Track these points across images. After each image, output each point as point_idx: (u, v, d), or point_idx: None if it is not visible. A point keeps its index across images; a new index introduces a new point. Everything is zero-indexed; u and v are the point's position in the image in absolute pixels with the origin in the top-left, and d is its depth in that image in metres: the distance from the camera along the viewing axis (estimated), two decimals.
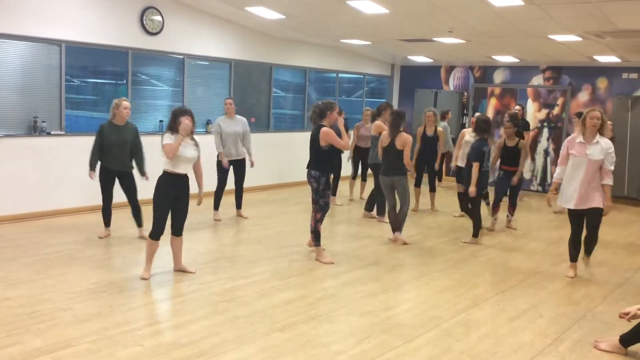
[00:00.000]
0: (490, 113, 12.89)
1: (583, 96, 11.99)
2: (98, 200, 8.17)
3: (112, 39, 8.50)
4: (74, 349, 3.97)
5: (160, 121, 9.38)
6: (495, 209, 8.31)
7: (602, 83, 11.80)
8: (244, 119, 8.39)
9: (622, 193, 11.38)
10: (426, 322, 4.78)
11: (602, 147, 5.80)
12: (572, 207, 5.96)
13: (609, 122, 6.41)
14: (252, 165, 8.37)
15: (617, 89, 11.61)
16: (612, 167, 5.80)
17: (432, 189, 9.59)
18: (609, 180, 5.82)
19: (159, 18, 8.98)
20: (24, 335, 4.14)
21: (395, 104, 14.43)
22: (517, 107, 11.10)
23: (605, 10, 7.18)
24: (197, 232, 7.58)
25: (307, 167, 6.45)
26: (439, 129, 9.24)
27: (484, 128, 7.41)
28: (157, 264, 6.26)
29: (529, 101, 12.60)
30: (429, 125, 9.20)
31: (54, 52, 7.96)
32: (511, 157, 8.09)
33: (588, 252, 6.35)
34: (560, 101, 12.27)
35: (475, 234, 7.55)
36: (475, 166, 7.27)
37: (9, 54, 7.62)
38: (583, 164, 5.83)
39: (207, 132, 10.04)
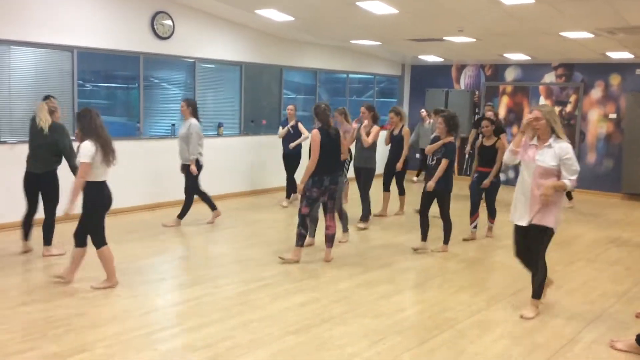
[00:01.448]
0: (502, 111, 12.83)
1: (596, 93, 11.90)
2: (116, 204, 8.26)
3: (124, 44, 8.56)
4: (89, 353, 4.00)
5: (172, 125, 9.42)
6: (473, 216, 7.66)
7: (614, 79, 11.70)
8: (192, 122, 7.72)
9: (637, 190, 11.28)
10: (440, 323, 4.76)
11: (556, 152, 4.70)
12: (521, 223, 4.89)
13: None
14: (191, 171, 7.77)
15: (630, 85, 11.51)
16: (574, 177, 4.69)
17: (401, 192, 9.15)
18: (566, 180, 4.69)
19: (169, 22, 9.03)
20: (40, 341, 4.17)
21: (406, 104, 14.41)
22: (488, 105, 10.84)
23: (616, 7, 7.11)
24: (208, 235, 7.61)
25: (335, 171, 6.33)
26: (405, 128, 8.68)
27: (453, 124, 6.84)
28: (171, 267, 6.29)
29: (542, 98, 12.52)
30: (395, 126, 8.77)
31: (66, 58, 8.02)
32: (488, 157, 7.55)
33: (535, 292, 5.01)
34: (572, 98, 12.18)
35: (447, 240, 7.02)
36: (445, 163, 6.73)
37: (22, 61, 7.70)
38: (531, 169, 4.81)
39: (218, 135, 10.09)
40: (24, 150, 7.87)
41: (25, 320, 4.53)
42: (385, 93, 14.40)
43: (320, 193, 6.28)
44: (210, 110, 10.11)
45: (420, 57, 13.28)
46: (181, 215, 7.91)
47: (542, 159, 4.76)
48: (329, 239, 6.43)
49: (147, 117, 9.14)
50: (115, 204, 8.50)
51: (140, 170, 8.76)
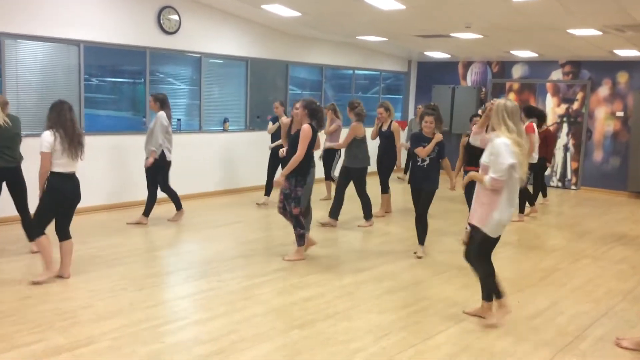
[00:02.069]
0: None
1: (603, 91, 11.84)
2: (118, 199, 8.30)
3: (130, 39, 8.57)
4: (96, 346, 4.02)
5: (178, 120, 9.44)
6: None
7: (622, 77, 11.64)
8: (158, 114, 7.51)
9: None
10: (445, 319, 4.76)
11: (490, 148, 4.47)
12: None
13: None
14: (146, 163, 7.50)
15: (638, 83, 11.45)
16: (494, 175, 4.31)
17: (384, 190, 8.75)
18: (487, 176, 4.39)
19: (175, 17, 9.03)
20: (46, 333, 4.20)
21: (412, 100, 14.38)
22: (492, 101, 10.71)
23: (623, 4, 7.07)
24: (213, 230, 7.62)
25: (312, 169, 6.38)
26: (394, 124, 8.40)
27: (441, 120, 6.53)
28: (176, 261, 6.30)
29: (548, 96, 12.47)
30: (384, 121, 8.48)
31: (72, 52, 8.04)
32: (477, 155, 7.10)
33: (483, 293, 4.78)
34: (579, 96, 12.13)
35: (422, 241, 6.68)
36: (448, 162, 6.66)
37: (29, 55, 7.72)
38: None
39: (224, 130, 10.10)
40: (29, 143, 7.91)
41: (32, 313, 4.56)
42: (392, 89, 14.37)
43: (303, 191, 6.16)
44: (216, 106, 10.12)
45: (426, 53, 13.25)
46: (178, 207, 7.83)
47: (484, 154, 4.54)
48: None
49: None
50: (122, 198, 8.60)
51: None
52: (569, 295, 5.55)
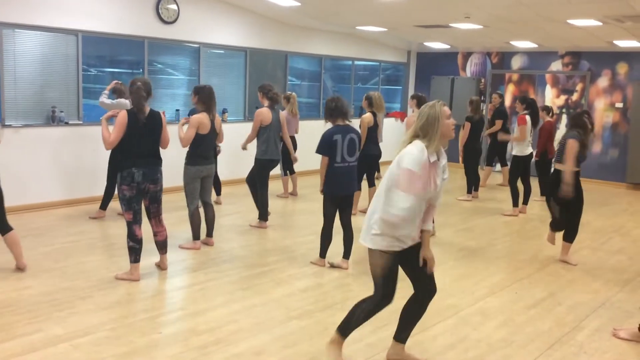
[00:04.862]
0: (508, 100, 12.75)
1: (602, 82, 11.82)
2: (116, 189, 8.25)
3: (128, 29, 8.53)
4: (93, 336, 4.03)
5: (177, 110, 9.41)
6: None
7: (622, 68, 11.61)
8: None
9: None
10: (443, 310, 4.77)
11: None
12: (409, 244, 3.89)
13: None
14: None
15: (638, 74, 11.42)
16: None
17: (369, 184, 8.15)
18: None
19: (174, 7, 8.99)
20: (44, 323, 4.20)
21: (411, 91, 14.32)
22: (497, 92, 10.61)
23: None
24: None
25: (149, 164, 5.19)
26: (363, 116, 7.68)
27: (341, 110, 5.52)
28: (173, 253, 6.30)
29: (548, 87, 12.45)
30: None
31: (70, 42, 8.01)
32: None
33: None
34: (579, 87, 12.10)
35: (348, 254, 5.89)
36: (321, 161, 5.60)
37: (27, 45, 7.68)
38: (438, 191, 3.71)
39: (223, 121, 10.06)
40: (29, 134, 7.90)
41: (31, 303, 4.56)
42: (391, 80, 14.33)
43: (132, 190, 5.02)
44: (215, 96, 10.07)
45: (426, 44, 13.20)
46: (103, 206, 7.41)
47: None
48: (161, 246, 5.48)
49: (152, 102, 9.05)
50: None
51: None
52: (567, 285, 5.56)
